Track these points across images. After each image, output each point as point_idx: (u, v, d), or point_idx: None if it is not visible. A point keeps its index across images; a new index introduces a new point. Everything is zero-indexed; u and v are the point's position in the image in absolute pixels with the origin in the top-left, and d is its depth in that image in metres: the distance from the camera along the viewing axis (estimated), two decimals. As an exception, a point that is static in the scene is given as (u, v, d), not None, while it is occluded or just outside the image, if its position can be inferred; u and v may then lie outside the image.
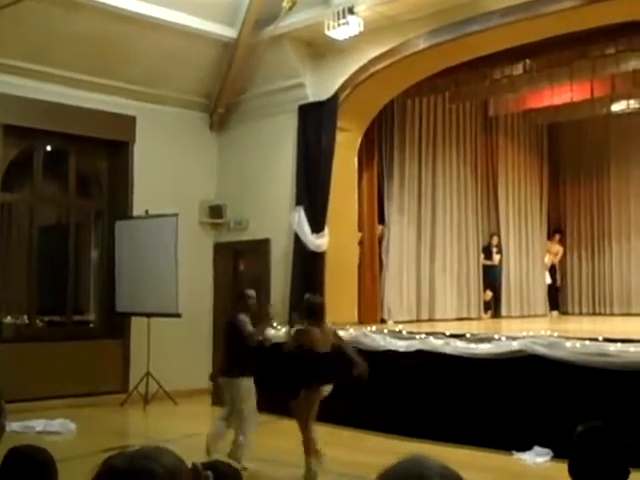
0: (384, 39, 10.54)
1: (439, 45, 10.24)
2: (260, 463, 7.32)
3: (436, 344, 8.78)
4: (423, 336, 9.04)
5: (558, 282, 16.61)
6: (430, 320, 13.17)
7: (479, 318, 14.38)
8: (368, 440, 8.42)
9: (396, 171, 12.96)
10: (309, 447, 6.84)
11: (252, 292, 7.85)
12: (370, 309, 12.13)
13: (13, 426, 7.33)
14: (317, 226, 10.97)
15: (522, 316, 15.26)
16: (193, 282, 11.68)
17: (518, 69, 11.52)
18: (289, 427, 7.37)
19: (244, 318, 7.47)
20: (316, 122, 11.18)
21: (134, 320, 11.39)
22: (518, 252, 15.69)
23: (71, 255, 11.60)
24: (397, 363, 8.97)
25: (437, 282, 13.62)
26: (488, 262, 14.86)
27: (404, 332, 9.46)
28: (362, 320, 11.56)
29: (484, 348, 8.40)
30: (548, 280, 16.38)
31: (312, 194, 11.11)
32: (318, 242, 10.97)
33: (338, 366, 7.02)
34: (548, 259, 16.44)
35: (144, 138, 11.74)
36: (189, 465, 1.72)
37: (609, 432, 2.78)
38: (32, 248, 11.10)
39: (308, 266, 11.02)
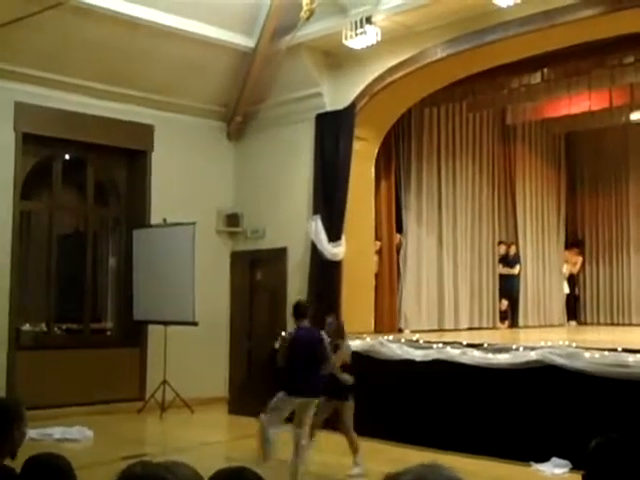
0: (402, 48, 10.55)
1: (457, 54, 10.23)
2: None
3: (453, 354, 8.74)
4: (440, 345, 9.01)
5: (577, 292, 16.51)
6: (447, 330, 13.11)
7: (495, 328, 14.31)
8: (385, 450, 8.36)
9: (413, 180, 12.93)
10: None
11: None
12: (387, 318, 12.11)
13: (31, 433, 7.34)
14: (334, 235, 10.97)
15: (539, 326, 15.17)
16: (210, 291, 11.70)
17: (536, 78, 11.49)
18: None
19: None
20: (333, 131, 11.19)
21: (151, 328, 11.44)
22: (536, 261, 15.62)
23: (89, 263, 11.66)
24: (414, 372, 8.95)
25: (454, 291, 13.56)
26: (506, 271, 14.78)
27: (421, 341, 9.43)
28: (379, 329, 11.54)
29: (502, 358, 8.35)
30: (566, 290, 16.28)
31: (329, 203, 11.12)
32: (335, 251, 10.97)
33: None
34: (566, 269, 16.35)
35: (162, 147, 11.81)
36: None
37: (625, 444, 2.75)
38: (50, 256, 11.18)
39: (325, 275, 11.02)
